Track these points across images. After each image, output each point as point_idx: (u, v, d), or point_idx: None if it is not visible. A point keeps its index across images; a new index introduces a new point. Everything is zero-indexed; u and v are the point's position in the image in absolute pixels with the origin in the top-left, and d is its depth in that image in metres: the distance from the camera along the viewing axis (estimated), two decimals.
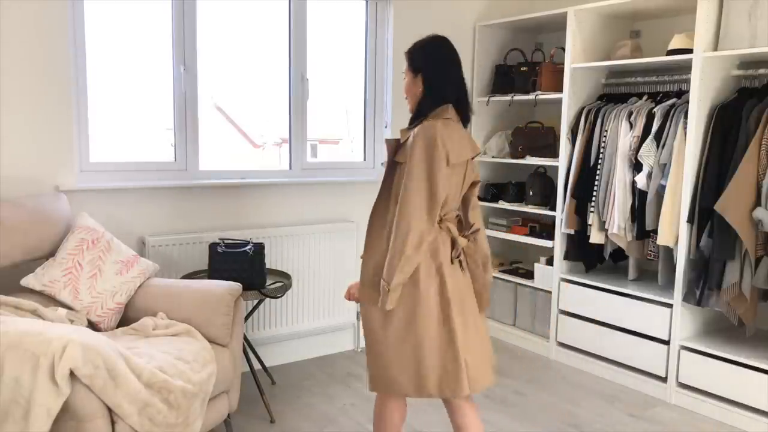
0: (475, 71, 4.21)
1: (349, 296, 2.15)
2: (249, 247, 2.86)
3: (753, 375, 2.92)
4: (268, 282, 3.00)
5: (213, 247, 2.87)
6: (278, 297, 2.91)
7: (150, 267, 2.70)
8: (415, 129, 1.99)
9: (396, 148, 2.05)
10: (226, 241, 2.89)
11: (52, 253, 2.57)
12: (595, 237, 3.53)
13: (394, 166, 2.04)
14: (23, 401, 1.84)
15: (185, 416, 2.12)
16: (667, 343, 3.24)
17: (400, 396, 2.10)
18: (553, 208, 3.79)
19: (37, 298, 2.45)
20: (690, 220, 3.10)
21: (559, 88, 3.78)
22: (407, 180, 1.93)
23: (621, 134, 3.38)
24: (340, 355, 3.77)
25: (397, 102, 3.91)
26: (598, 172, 3.50)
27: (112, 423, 1.98)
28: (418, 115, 2.07)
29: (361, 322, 2.17)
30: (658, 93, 3.49)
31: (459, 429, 2.12)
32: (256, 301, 3.45)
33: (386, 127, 3.93)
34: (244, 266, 2.83)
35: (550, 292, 3.84)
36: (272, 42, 3.59)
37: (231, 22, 3.44)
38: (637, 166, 3.32)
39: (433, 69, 2.07)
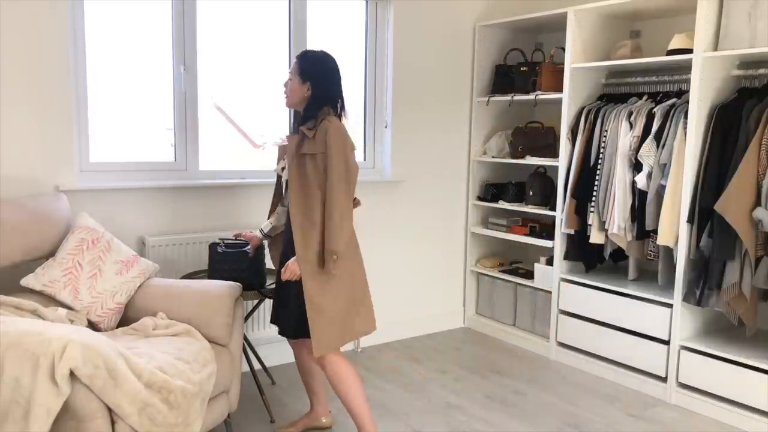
0: (475, 71, 4.21)
1: (292, 274, 2.40)
2: (249, 247, 2.86)
3: (753, 375, 2.92)
4: (268, 282, 3.00)
5: (213, 247, 2.87)
6: None
7: (150, 267, 2.70)
8: (323, 124, 2.38)
9: (300, 142, 2.41)
10: (225, 241, 2.89)
11: (52, 253, 2.57)
12: (595, 237, 3.53)
13: (303, 158, 2.39)
14: (23, 401, 1.84)
15: (185, 416, 2.12)
16: (667, 343, 3.24)
17: (343, 346, 2.51)
18: (553, 208, 3.79)
19: (37, 298, 2.45)
20: (690, 220, 3.10)
21: (559, 88, 3.78)
22: (334, 167, 2.34)
23: (621, 134, 3.38)
24: None
25: (397, 102, 3.92)
26: (598, 172, 3.50)
27: (112, 423, 1.98)
28: (309, 115, 2.45)
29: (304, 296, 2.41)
30: (658, 93, 3.49)
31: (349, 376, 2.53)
32: (256, 301, 3.45)
33: (386, 126, 3.93)
34: (243, 266, 2.84)
35: (550, 292, 3.84)
36: (272, 42, 3.59)
37: (231, 22, 3.44)
38: (637, 166, 3.32)
39: (321, 81, 2.47)
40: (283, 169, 2.60)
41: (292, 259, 2.43)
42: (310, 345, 2.53)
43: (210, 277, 2.87)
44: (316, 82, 2.45)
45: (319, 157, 2.37)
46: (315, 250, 2.38)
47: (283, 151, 2.66)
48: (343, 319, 2.45)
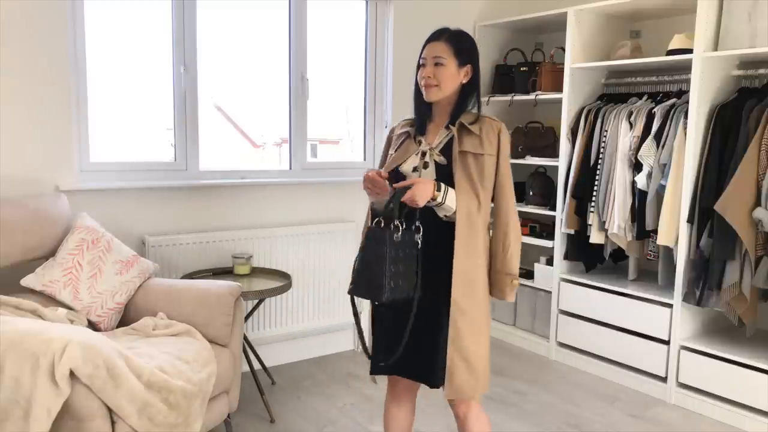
0: None
1: (420, 197, 1.85)
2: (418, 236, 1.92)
3: (753, 375, 2.92)
4: (268, 284, 2.99)
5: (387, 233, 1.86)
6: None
7: (150, 267, 2.70)
8: (488, 122, 1.99)
9: (459, 137, 1.97)
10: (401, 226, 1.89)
11: (52, 253, 2.57)
12: (595, 237, 3.53)
13: (464, 157, 1.96)
14: (23, 401, 1.84)
15: (185, 416, 2.12)
16: (667, 343, 3.24)
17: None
18: (553, 208, 3.79)
19: (37, 298, 2.45)
20: (690, 220, 3.10)
21: (559, 88, 3.78)
22: (507, 175, 2.00)
23: (621, 134, 3.38)
24: (340, 355, 3.77)
25: (397, 102, 3.91)
26: (598, 172, 3.50)
27: (112, 423, 1.98)
28: (466, 106, 2.04)
29: (459, 323, 1.92)
30: (658, 93, 3.49)
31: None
32: (256, 301, 3.45)
33: (386, 126, 3.93)
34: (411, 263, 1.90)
35: (550, 292, 3.84)
36: (272, 42, 3.59)
37: (231, 22, 3.44)
38: (637, 166, 3.32)
39: (478, 63, 2.06)
40: (414, 169, 2.02)
41: (423, 181, 1.87)
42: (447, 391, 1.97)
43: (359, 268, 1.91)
44: (476, 66, 2.05)
45: (486, 159, 1.95)
46: (479, 269, 1.97)
47: (403, 145, 2.08)
48: (486, 363, 2.01)
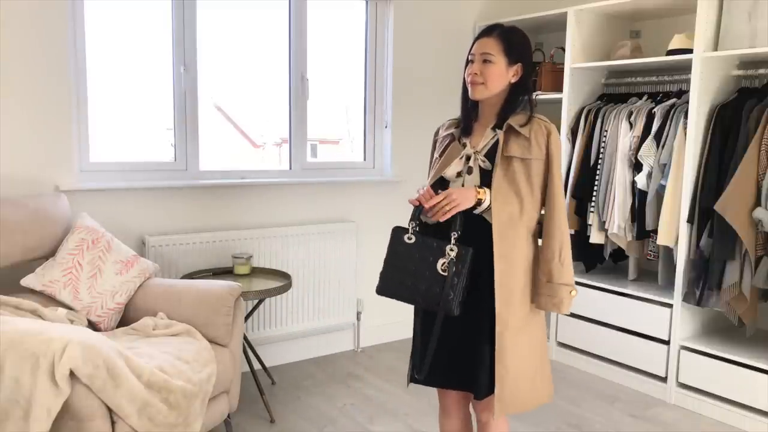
0: None
1: (449, 206, 1.82)
2: (450, 247, 1.84)
3: (753, 375, 2.92)
4: (268, 284, 2.98)
5: (398, 233, 1.90)
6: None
7: (150, 267, 2.70)
8: (538, 123, 1.91)
9: (506, 141, 1.89)
10: (416, 228, 1.89)
11: (52, 253, 2.57)
12: (595, 237, 3.53)
13: (509, 162, 1.88)
14: (23, 401, 1.84)
15: (185, 416, 2.12)
16: (667, 343, 3.24)
17: (531, 409, 1.99)
18: None
19: (37, 298, 2.45)
20: (690, 220, 3.10)
21: (559, 88, 3.78)
22: (558, 180, 1.90)
23: (621, 134, 3.38)
24: (340, 355, 3.77)
25: (397, 102, 3.91)
26: (598, 172, 3.50)
27: (112, 423, 1.98)
28: (515, 107, 1.94)
29: (504, 337, 1.87)
30: (658, 93, 3.49)
31: None
32: (256, 301, 3.45)
33: (386, 126, 3.93)
34: (433, 275, 1.85)
35: None
36: (272, 42, 3.59)
37: (231, 22, 3.44)
38: (637, 166, 3.32)
39: (530, 61, 1.97)
40: (458, 174, 1.95)
41: (460, 190, 1.85)
42: (485, 404, 1.97)
43: (383, 277, 1.92)
44: (527, 63, 1.94)
45: (533, 164, 1.87)
46: (520, 278, 1.89)
47: (447, 149, 2.01)
48: (534, 376, 1.95)
